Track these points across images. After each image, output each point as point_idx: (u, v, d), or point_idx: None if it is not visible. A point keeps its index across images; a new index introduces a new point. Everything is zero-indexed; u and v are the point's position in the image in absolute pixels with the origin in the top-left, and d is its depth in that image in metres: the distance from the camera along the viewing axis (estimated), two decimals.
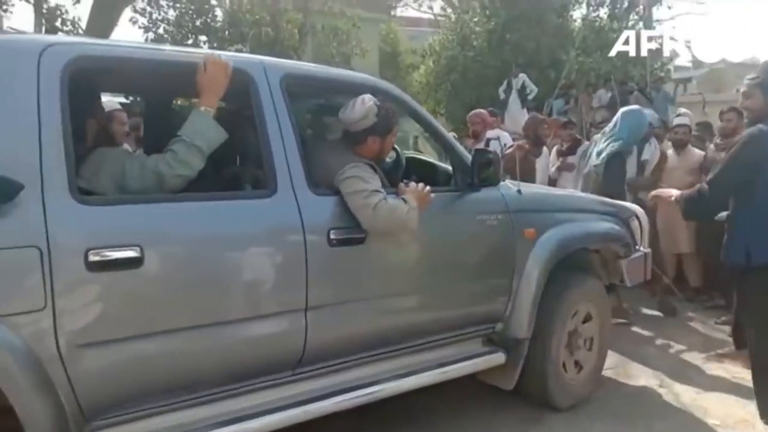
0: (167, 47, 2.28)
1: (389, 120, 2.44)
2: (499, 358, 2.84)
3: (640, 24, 12.69)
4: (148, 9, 13.91)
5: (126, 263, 1.83)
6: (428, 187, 2.44)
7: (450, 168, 2.92)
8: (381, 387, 2.43)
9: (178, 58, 2.14)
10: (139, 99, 2.81)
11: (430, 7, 24.30)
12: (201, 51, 2.20)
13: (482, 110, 5.84)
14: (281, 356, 2.20)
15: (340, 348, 2.34)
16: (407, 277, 2.50)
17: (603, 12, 14.91)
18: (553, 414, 3.02)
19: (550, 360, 2.96)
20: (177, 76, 2.16)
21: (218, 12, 14.59)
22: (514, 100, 9.90)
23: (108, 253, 1.79)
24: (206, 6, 14.14)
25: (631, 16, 14.42)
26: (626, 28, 12.75)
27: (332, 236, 2.24)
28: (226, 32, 14.32)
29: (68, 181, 1.78)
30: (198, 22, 14.08)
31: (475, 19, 13.97)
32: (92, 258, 1.77)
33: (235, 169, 2.50)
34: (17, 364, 1.66)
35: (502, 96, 10.20)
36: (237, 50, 14.11)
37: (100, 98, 2.22)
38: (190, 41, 13.93)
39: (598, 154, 4.59)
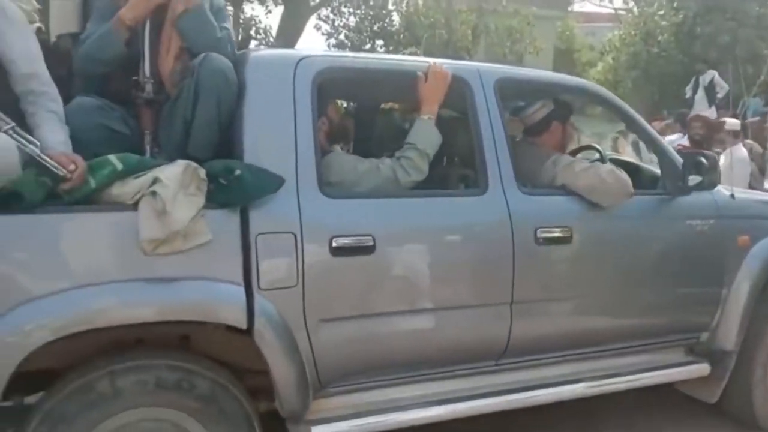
0: (393, 57, 2.49)
1: (566, 105, 2.50)
2: (702, 369, 2.73)
3: None
4: (331, 16, 14.91)
5: (361, 250, 2.06)
6: None
7: (655, 170, 2.86)
8: (581, 386, 2.46)
9: (403, 67, 2.36)
10: (350, 103, 3.08)
11: (611, 2, 23.22)
12: (422, 59, 2.39)
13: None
14: (486, 346, 2.33)
15: (542, 343, 2.42)
16: (611, 278, 2.51)
17: None
18: None
19: (757, 375, 2.79)
20: (401, 83, 2.37)
21: (395, 16, 15.22)
22: (701, 98, 9.16)
23: (347, 241, 2.04)
24: (384, 11, 14.82)
25: None
26: None
27: (539, 234, 2.32)
28: (402, 35, 14.90)
29: (317, 178, 2.05)
30: (376, 27, 14.80)
31: (661, 12, 13.12)
32: (335, 244, 2.03)
33: (447, 169, 2.67)
34: (274, 332, 1.95)
35: (689, 94, 9.49)
36: (411, 52, 14.59)
37: (337, 103, 2.51)
38: (368, 45, 14.70)
39: None
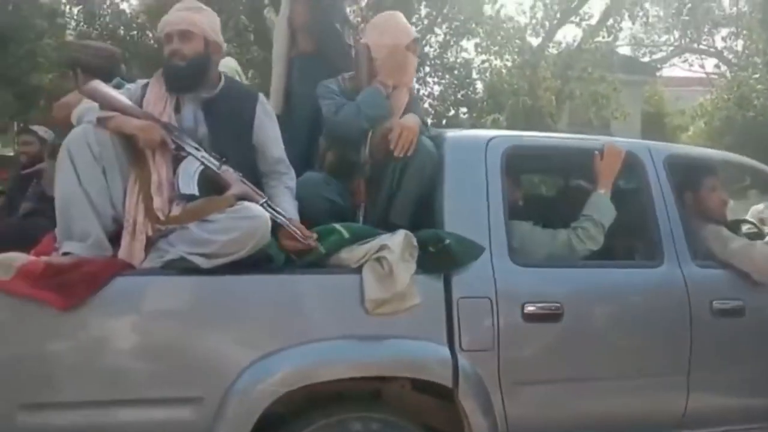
0: (570, 136, 2.67)
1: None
2: None
3: None
4: (416, 86, 15.45)
5: (550, 317, 2.18)
6: None
7: None
8: None
9: (580, 145, 2.53)
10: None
11: (702, 66, 23.01)
12: (597, 138, 2.55)
13: None
14: (664, 416, 2.37)
15: (717, 414, 2.43)
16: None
17: None
18: None
19: None
20: (578, 160, 2.54)
21: (478, 85, 15.65)
22: None
23: (538, 307, 2.17)
24: (467, 80, 15.26)
25: None
26: None
27: (715, 306, 2.38)
28: (485, 103, 15.25)
29: (507, 246, 2.21)
30: (460, 95, 15.22)
31: (756, 76, 12.94)
32: (527, 310, 2.16)
33: (621, 241, 2.78)
34: (475, 391, 2.07)
35: None
36: (494, 120, 14.92)
37: (519, 178, 2.68)
38: (451, 113, 15.10)
39: None
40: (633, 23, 14.71)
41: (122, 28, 15.40)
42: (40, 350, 1.78)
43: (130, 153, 1.96)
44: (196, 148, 2.01)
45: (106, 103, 1.96)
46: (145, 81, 2.15)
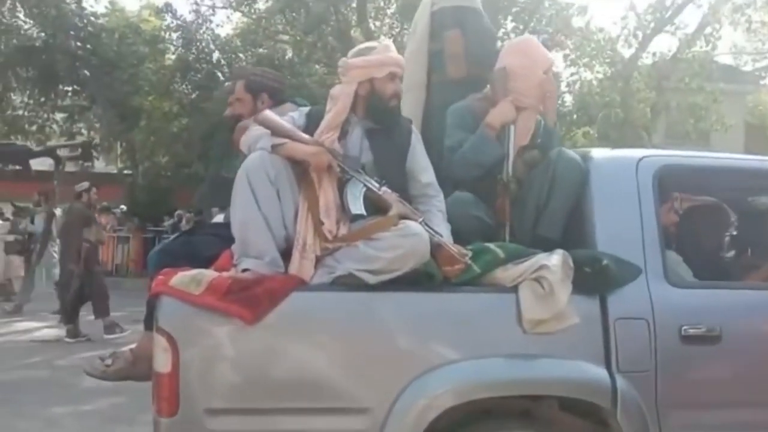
0: (724, 155, 2.60)
1: None
2: None
3: None
4: None
5: (709, 339, 2.13)
6: None
7: None
8: None
9: (737, 164, 2.47)
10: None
11: None
12: (757, 158, 2.48)
13: None
14: None
15: None
16: None
17: None
18: None
19: None
20: (736, 179, 2.48)
21: (567, 97, 15.38)
22: None
23: (697, 330, 2.12)
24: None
25: None
26: None
27: None
28: (575, 116, 14.96)
29: (663, 267, 2.19)
30: None
31: None
32: (685, 332, 2.12)
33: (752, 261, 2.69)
34: (634, 413, 2.05)
35: None
36: (584, 132, 14.61)
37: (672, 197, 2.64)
38: None
39: None
40: (735, 30, 14.02)
41: (216, 51, 16.27)
42: (224, 359, 1.92)
43: (299, 176, 2.08)
44: (358, 171, 2.11)
45: (277, 130, 2.10)
46: (306, 109, 2.29)
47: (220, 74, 16.10)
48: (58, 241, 8.42)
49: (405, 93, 2.48)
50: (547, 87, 2.49)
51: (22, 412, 4.36)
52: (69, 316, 7.09)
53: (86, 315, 7.34)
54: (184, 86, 16.17)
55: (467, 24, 2.82)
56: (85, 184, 7.62)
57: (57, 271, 8.92)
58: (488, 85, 2.53)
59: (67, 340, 6.86)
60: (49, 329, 7.83)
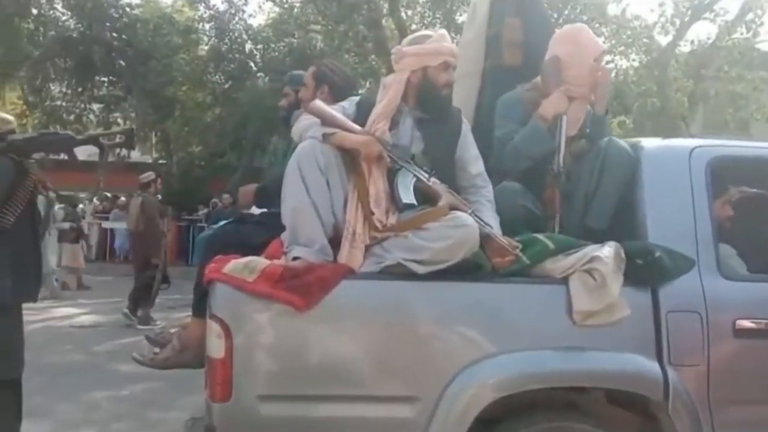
0: None
1: None
2: None
3: None
4: None
5: (764, 333, 2.09)
6: None
7: None
8: None
9: None
10: None
11: None
12: None
13: None
14: None
15: None
16: None
17: None
18: None
19: None
20: None
21: None
22: None
23: (752, 323, 2.09)
24: None
25: None
26: None
27: None
28: (611, 105, 14.68)
29: (716, 259, 2.15)
30: None
31: None
32: (739, 325, 2.08)
33: None
34: (686, 407, 2.03)
35: None
36: (620, 122, 14.35)
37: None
38: None
39: None
40: None
41: (249, 41, 16.37)
42: (275, 346, 1.95)
43: (349, 166, 2.09)
44: (407, 161, 2.11)
45: (327, 120, 2.11)
46: (357, 98, 2.30)
47: (252, 64, 16.26)
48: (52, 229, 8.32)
49: (459, 79, 2.45)
50: (598, 75, 2.45)
51: (63, 396, 4.50)
52: (149, 303, 7.23)
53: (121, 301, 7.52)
54: (217, 76, 16.33)
55: (527, 12, 2.79)
56: (152, 174, 7.66)
57: (54, 258, 9.09)
58: (539, 75, 2.50)
59: (139, 327, 6.87)
60: (86, 315, 8.05)
